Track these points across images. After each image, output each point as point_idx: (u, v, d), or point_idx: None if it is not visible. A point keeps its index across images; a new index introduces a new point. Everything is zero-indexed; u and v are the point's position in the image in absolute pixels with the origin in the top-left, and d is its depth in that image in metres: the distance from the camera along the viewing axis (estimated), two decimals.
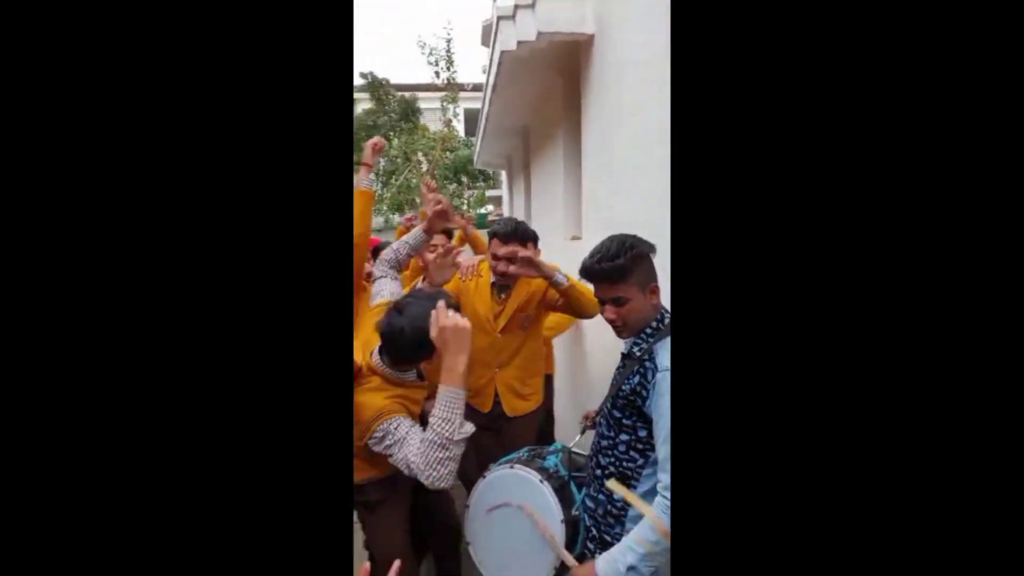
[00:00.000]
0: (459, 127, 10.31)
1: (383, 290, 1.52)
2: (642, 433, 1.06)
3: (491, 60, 2.51)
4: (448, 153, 9.45)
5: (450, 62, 9.37)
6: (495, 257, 1.67)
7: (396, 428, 1.18)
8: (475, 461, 1.87)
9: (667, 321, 1.07)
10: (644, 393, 1.02)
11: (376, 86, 9.51)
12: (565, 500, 1.19)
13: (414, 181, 8.62)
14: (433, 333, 1.13)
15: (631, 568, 0.99)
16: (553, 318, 1.73)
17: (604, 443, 1.15)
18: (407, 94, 9.85)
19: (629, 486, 1.09)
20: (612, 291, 1.06)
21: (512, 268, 1.56)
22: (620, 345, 1.18)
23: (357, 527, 1.47)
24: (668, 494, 0.97)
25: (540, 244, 1.72)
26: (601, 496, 1.14)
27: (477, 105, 4.14)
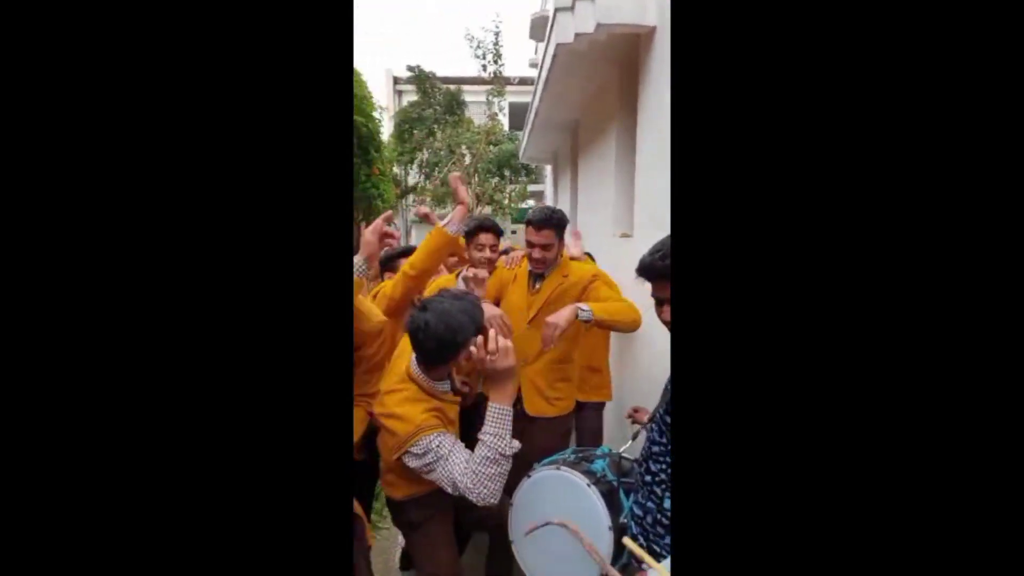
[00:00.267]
0: (504, 121, 10.31)
1: None
2: None
3: (545, 52, 2.47)
4: (492, 147, 9.46)
5: (497, 56, 9.35)
6: (529, 244, 1.67)
7: (438, 445, 1.15)
8: None
9: None
10: None
11: (423, 79, 9.61)
12: (613, 506, 1.16)
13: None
14: (477, 355, 1.13)
15: None
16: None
17: (655, 449, 1.10)
18: (453, 87, 9.91)
19: None
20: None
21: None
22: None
23: (385, 538, 1.46)
24: None
25: (586, 241, 1.69)
26: (650, 504, 1.10)
27: (522, 99, 4.11)
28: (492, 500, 1.13)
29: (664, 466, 1.08)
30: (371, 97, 4.38)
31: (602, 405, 2.11)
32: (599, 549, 1.10)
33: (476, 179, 9.00)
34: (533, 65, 10.81)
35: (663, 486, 1.08)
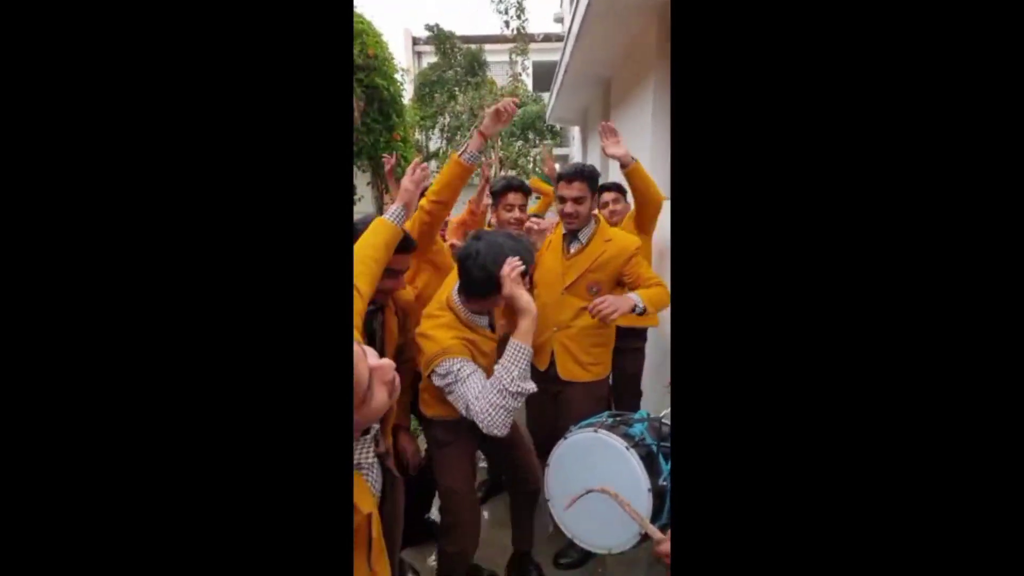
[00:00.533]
0: (527, 81, 9.98)
1: None
2: None
3: (576, 3, 2.34)
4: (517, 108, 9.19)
5: (521, 10, 8.96)
6: (561, 200, 1.65)
7: (459, 369, 1.24)
8: (528, 415, 1.94)
9: None
10: None
11: (443, 39, 9.31)
12: (652, 470, 1.15)
13: None
14: (506, 290, 1.21)
15: None
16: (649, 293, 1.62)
17: None
18: (474, 46, 9.58)
19: None
20: None
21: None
22: None
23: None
24: None
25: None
26: None
27: (547, 57, 3.93)
28: (496, 432, 1.20)
29: None
30: (392, 59, 4.26)
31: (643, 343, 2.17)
32: (638, 511, 1.10)
33: (499, 143, 8.81)
34: (558, 20, 10.35)
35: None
